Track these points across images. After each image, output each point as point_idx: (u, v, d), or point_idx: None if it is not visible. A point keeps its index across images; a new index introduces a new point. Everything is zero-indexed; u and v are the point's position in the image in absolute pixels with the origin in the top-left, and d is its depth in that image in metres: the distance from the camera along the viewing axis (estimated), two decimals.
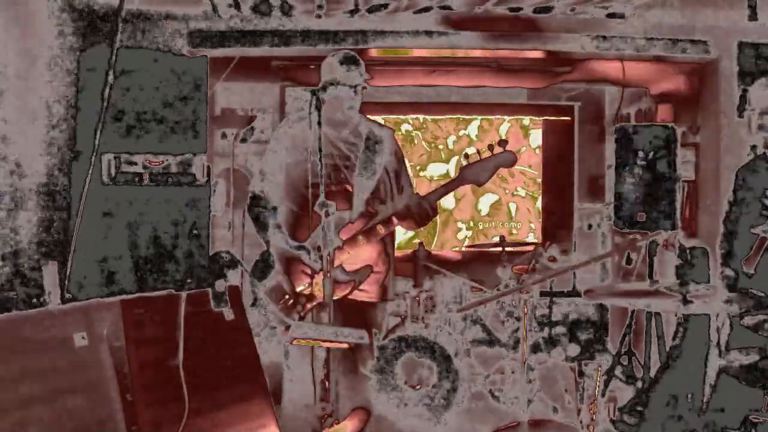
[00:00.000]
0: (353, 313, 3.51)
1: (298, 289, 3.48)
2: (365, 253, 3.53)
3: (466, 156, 3.53)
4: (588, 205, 5.93)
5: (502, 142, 3.52)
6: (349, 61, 3.52)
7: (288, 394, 3.58)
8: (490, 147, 3.49)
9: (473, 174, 3.52)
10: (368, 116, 3.79)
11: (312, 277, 3.45)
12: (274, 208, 3.58)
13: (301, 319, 3.44)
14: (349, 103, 3.53)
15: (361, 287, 3.55)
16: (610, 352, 4.55)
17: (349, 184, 3.54)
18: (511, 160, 3.55)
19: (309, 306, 3.45)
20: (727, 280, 3.49)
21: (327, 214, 2.97)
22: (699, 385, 3.75)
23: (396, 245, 4.03)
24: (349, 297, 3.47)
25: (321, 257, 3.33)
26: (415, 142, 6.74)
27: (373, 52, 4.35)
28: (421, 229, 3.93)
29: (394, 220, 3.48)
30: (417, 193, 3.61)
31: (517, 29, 4.19)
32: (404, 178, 3.74)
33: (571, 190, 6.05)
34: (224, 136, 5.27)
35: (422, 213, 3.50)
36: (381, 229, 3.48)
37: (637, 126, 4.30)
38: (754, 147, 4.08)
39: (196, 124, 3.72)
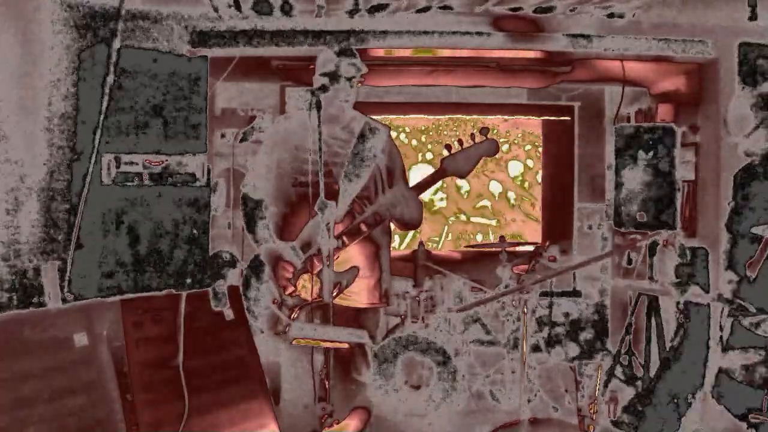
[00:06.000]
0: (346, 319, 3.46)
1: (287, 291, 3.43)
2: (354, 257, 3.47)
3: (448, 147, 3.46)
4: (588, 205, 5.93)
5: (484, 130, 3.44)
6: (345, 53, 3.49)
7: (287, 394, 3.57)
8: (472, 136, 3.42)
9: (455, 165, 3.43)
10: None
11: (294, 276, 3.39)
12: (264, 207, 3.53)
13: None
14: (344, 96, 3.49)
15: (350, 291, 3.49)
16: (610, 352, 4.55)
17: (336, 182, 3.48)
18: (494, 149, 3.48)
19: (297, 310, 3.39)
20: (730, 285, 3.49)
21: (325, 216, 2.96)
22: (699, 385, 3.75)
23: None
24: (338, 302, 3.37)
25: (310, 257, 3.32)
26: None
27: (373, 52, 4.35)
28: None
29: (378, 217, 3.42)
30: (409, 192, 3.53)
31: (517, 29, 4.19)
32: (397, 176, 3.67)
33: (571, 190, 6.04)
34: (224, 136, 5.27)
35: (415, 215, 3.46)
36: (364, 228, 3.42)
37: (637, 126, 4.30)
38: None
39: (196, 124, 3.72)
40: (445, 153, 3.47)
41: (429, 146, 6.72)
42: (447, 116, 6.54)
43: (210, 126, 3.89)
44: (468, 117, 6.47)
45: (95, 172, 3.54)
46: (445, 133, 6.67)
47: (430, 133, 6.68)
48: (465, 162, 3.43)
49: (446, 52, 4.59)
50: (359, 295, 3.59)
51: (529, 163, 6.77)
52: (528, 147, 6.74)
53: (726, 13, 4.06)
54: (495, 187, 6.84)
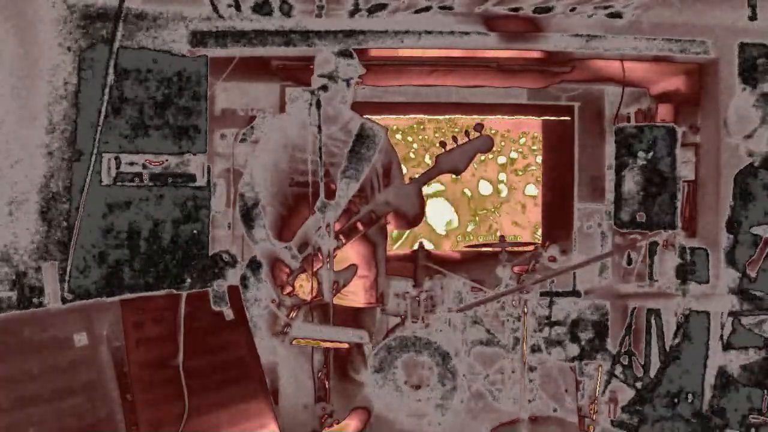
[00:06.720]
0: (343, 319, 3.45)
1: (285, 292, 3.42)
2: (350, 257, 3.48)
3: (443, 144, 3.47)
4: (588, 205, 5.93)
5: (478, 126, 3.43)
6: (343, 54, 3.50)
7: (286, 394, 3.57)
8: (466, 132, 3.43)
9: (450, 162, 3.42)
10: (366, 116, 3.76)
11: (291, 276, 3.39)
12: (261, 207, 3.53)
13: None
14: (342, 97, 3.49)
15: (347, 291, 3.49)
16: (610, 352, 4.55)
17: (333, 182, 3.48)
18: (488, 144, 3.47)
19: (296, 311, 3.39)
20: (729, 282, 3.49)
21: (325, 216, 2.96)
22: (699, 385, 3.75)
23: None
24: (334, 301, 3.33)
25: (308, 256, 3.31)
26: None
27: (373, 52, 4.35)
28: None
29: (374, 216, 3.41)
30: (411, 188, 3.51)
31: (517, 29, 4.19)
32: (394, 176, 3.66)
33: (571, 190, 6.05)
34: (224, 136, 5.28)
35: (415, 210, 3.48)
36: (360, 227, 3.41)
37: (637, 126, 4.30)
38: None
39: (196, 124, 3.72)
40: (441, 150, 3.47)
41: (415, 146, 6.72)
42: (447, 116, 6.54)
43: (210, 126, 3.89)
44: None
45: (95, 172, 3.54)
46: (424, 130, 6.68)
47: (409, 137, 6.70)
48: (460, 158, 3.43)
49: (446, 52, 4.59)
50: (356, 294, 3.59)
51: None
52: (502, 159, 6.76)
53: (726, 13, 4.06)
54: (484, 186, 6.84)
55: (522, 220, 6.85)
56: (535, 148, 6.69)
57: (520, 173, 6.82)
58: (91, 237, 3.54)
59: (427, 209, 3.69)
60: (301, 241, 3.39)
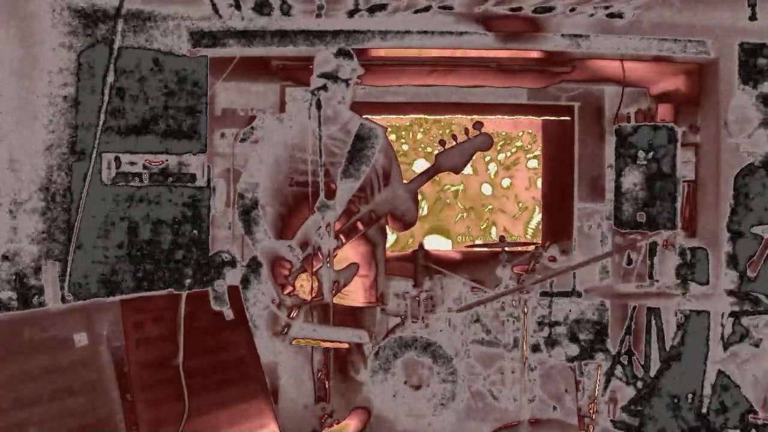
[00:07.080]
0: (343, 319, 3.45)
1: (285, 291, 3.42)
2: (350, 256, 3.48)
3: (442, 143, 3.47)
4: (588, 205, 5.93)
5: (477, 125, 3.43)
6: (342, 54, 3.50)
7: (287, 394, 3.57)
8: (465, 131, 3.42)
9: (450, 160, 3.43)
10: (366, 116, 3.76)
11: (292, 275, 3.39)
12: (261, 207, 3.53)
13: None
14: (341, 97, 3.49)
15: (346, 290, 3.48)
16: (610, 352, 4.55)
17: (333, 182, 3.48)
18: (488, 143, 3.47)
19: (296, 310, 3.39)
20: (729, 283, 3.49)
21: (325, 216, 2.96)
22: (699, 385, 3.75)
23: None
24: (336, 301, 3.34)
25: (308, 256, 3.32)
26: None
27: (373, 52, 4.35)
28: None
29: (374, 216, 3.42)
30: (406, 191, 3.51)
31: (517, 29, 4.20)
32: (393, 176, 3.66)
33: (571, 190, 6.05)
34: (224, 136, 5.27)
35: (411, 212, 3.48)
36: (360, 227, 3.41)
37: (637, 126, 4.30)
38: None
39: (196, 124, 3.72)
40: (440, 149, 3.47)
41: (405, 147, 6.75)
42: (447, 116, 6.56)
43: (210, 126, 3.89)
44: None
45: (95, 172, 3.54)
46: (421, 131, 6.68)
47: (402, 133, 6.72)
48: (459, 157, 3.43)
49: (446, 52, 4.59)
50: (356, 294, 3.60)
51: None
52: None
53: (726, 13, 4.07)
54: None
55: (511, 210, 6.88)
56: (519, 143, 6.75)
57: (511, 167, 6.85)
58: (91, 237, 3.54)
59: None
60: (301, 241, 3.39)
